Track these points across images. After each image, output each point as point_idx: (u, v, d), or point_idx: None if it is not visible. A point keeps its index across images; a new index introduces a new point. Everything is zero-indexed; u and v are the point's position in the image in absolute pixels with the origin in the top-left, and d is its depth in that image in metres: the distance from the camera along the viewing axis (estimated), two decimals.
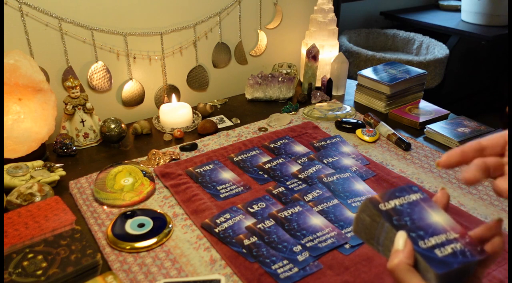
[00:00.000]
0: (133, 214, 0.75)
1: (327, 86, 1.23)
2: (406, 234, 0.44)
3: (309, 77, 1.24)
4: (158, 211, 0.77)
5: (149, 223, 0.73)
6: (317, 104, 1.18)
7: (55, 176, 0.85)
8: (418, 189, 0.50)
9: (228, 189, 0.83)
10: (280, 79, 1.21)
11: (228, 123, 1.11)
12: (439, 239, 0.45)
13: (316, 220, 0.73)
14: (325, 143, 0.99)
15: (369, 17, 2.24)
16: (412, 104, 1.17)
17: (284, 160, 0.92)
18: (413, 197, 0.49)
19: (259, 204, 0.78)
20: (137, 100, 1.15)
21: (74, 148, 0.97)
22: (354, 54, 1.77)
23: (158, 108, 1.13)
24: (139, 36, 1.10)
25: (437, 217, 0.48)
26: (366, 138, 1.01)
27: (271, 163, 0.91)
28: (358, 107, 1.20)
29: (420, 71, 1.19)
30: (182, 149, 0.98)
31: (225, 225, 0.72)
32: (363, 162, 0.92)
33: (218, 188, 0.83)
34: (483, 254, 0.45)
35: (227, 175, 0.87)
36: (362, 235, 0.49)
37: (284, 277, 0.63)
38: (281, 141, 0.99)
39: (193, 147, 0.98)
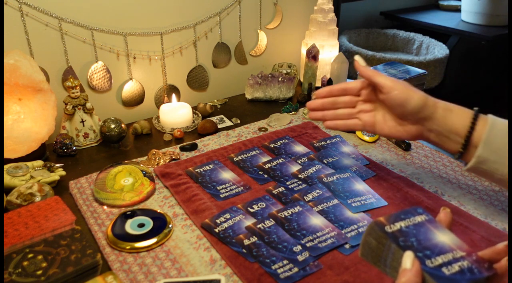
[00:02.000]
0: (133, 214, 0.75)
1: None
2: (413, 254, 0.44)
3: (309, 77, 1.24)
4: (158, 211, 0.77)
5: (149, 223, 0.73)
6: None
7: (55, 176, 0.85)
8: (423, 210, 0.51)
9: (228, 189, 0.83)
10: (280, 79, 1.21)
11: (228, 123, 1.11)
12: (446, 258, 0.45)
13: (316, 220, 0.73)
14: (325, 143, 0.99)
15: (369, 17, 2.24)
16: None
17: (284, 160, 0.92)
18: (418, 218, 0.50)
19: (259, 204, 0.78)
20: (137, 100, 1.15)
21: (74, 148, 0.97)
22: (354, 54, 1.77)
23: (158, 108, 1.13)
24: (139, 36, 1.10)
25: (443, 237, 0.48)
26: (366, 138, 1.01)
27: (271, 163, 0.91)
28: None
29: (420, 71, 1.19)
30: (182, 149, 0.98)
31: (225, 225, 0.72)
32: (363, 162, 0.92)
33: (218, 188, 0.83)
34: (490, 271, 0.45)
35: (227, 175, 0.87)
36: (369, 258, 0.49)
37: (284, 277, 0.63)
38: (281, 141, 0.99)
39: (193, 147, 0.98)
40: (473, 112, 0.68)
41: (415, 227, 0.48)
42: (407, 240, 0.46)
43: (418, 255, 0.45)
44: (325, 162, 0.91)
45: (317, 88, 1.29)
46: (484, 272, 0.45)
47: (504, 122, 0.66)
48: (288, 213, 0.75)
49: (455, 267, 0.44)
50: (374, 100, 0.74)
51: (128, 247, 0.69)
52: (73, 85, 0.96)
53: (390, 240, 0.46)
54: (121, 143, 1.02)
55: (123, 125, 0.99)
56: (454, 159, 0.70)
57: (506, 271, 0.46)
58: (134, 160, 0.93)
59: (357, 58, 0.73)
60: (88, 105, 0.99)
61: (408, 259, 0.44)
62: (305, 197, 0.80)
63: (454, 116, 0.68)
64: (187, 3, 1.14)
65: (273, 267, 0.64)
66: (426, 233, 0.48)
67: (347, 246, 0.69)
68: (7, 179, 0.81)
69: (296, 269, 0.64)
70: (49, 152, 0.98)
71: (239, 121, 1.12)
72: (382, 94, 0.71)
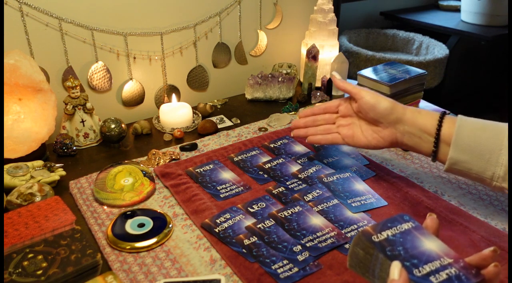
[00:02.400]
0: (133, 214, 0.75)
1: (327, 86, 1.23)
2: (400, 263, 0.44)
3: (309, 77, 1.24)
4: (158, 211, 0.77)
5: (149, 223, 0.73)
6: (317, 104, 1.18)
7: (55, 176, 0.85)
8: (409, 218, 0.51)
9: (228, 189, 0.83)
10: (280, 79, 1.21)
11: (228, 123, 1.11)
12: (434, 266, 0.45)
13: (316, 220, 0.73)
14: None
15: (369, 17, 2.24)
16: (412, 104, 1.17)
17: (284, 160, 0.92)
18: (405, 226, 0.50)
19: (259, 204, 0.78)
20: (137, 100, 1.15)
21: (74, 148, 0.97)
22: (354, 54, 1.78)
23: (158, 108, 1.13)
24: (139, 36, 1.10)
25: (430, 244, 0.48)
26: None
27: (271, 163, 0.91)
28: None
29: (420, 71, 1.19)
30: (182, 149, 0.98)
31: (225, 225, 0.72)
32: (363, 162, 0.92)
33: (218, 188, 0.83)
34: (478, 277, 0.45)
35: (227, 175, 0.87)
36: (357, 269, 0.49)
37: (284, 277, 0.63)
38: (281, 141, 0.99)
39: (193, 147, 0.98)
40: (441, 112, 0.72)
41: (402, 235, 0.48)
42: (394, 249, 0.46)
43: (406, 265, 0.45)
44: (325, 162, 0.91)
45: (317, 88, 1.29)
46: (472, 278, 0.45)
47: (473, 121, 0.69)
48: (288, 213, 0.75)
49: (443, 275, 0.44)
50: (351, 115, 0.81)
51: (128, 247, 0.69)
52: (73, 85, 0.96)
53: (377, 250, 0.46)
54: (121, 143, 1.02)
55: (123, 125, 0.99)
56: (432, 162, 0.74)
57: (494, 277, 0.46)
58: (134, 160, 0.94)
59: (334, 73, 0.82)
60: (88, 105, 0.99)
61: (395, 269, 0.44)
62: (305, 197, 0.80)
63: (423, 116, 0.73)
64: (187, 3, 1.14)
65: (273, 267, 0.64)
66: (413, 241, 0.48)
67: (347, 246, 0.69)
68: (7, 179, 0.81)
69: (296, 269, 0.64)
70: (49, 152, 0.98)
71: (239, 121, 1.12)
72: (356, 102, 0.78)
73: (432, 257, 0.46)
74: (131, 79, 1.12)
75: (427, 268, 0.45)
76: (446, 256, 0.47)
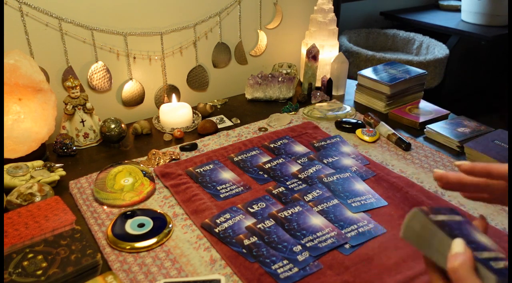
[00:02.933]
0: (133, 214, 0.75)
1: (327, 86, 1.23)
2: (464, 241, 0.45)
3: (309, 77, 1.24)
4: (158, 211, 0.77)
5: (149, 223, 0.73)
6: (317, 104, 1.18)
7: (55, 176, 0.85)
8: (460, 213, 0.51)
9: (228, 189, 0.83)
10: (280, 79, 1.21)
11: (228, 123, 1.11)
12: (491, 255, 0.46)
13: (316, 220, 0.73)
14: (325, 143, 0.99)
15: (369, 17, 2.24)
16: (412, 104, 1.17)
17: (284, 160, 0.92)
18: (457, 218, 0.50)
19: (259, 204, 0.78)
20: (137, 100, 1.15)
21: (74, 148, 0.97)
22: (354, 54, 1.77)
23: (158, 108, 1.13)
24: (139, 36, 1.10)
25: (483, 238, 0.48)
26: (366, 138, 1.01)
27: (271, 163, 0.91)
28: (358, 107, 1.20)
29: (420, 71, 1.19)
30: (182, 149, 0.98)
31: (225, 225, 0.72)
32: (363, 162, 0.92)
33: (218, 188, 0.83)
34: None
35: (227, 175, 0.87)
36: (412, 240, 0.49)
37: (284, 277, 0.63)
38: (281, 141, 0.99)
39: (193, 147, 0.98)
40: None
41: (456, 224, 0.48)
42: (452, 230, 0.46)
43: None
44: (325, 162, 0.91)
45: (317, 88, 1.29)
46: None
47: None
48: (288, 213, 0.75)
49: (500, 264, 0.44)
50: None
51: (128, 247, 0.69)
52: (73, 85, 0.96)
53: (436, 227, 0.46)
54: (121, 143, 1.02)
55: (123, 125, 0.99)
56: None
57: None
58: (134, 160, 0.93)
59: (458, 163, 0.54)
60: (88, 105, 0.99)
61: (461, 244, 0.44)
62: (305, 197, 0.80)
63: None
64: (187, 3, 1.14)
65: (273, 267, 0.64)
66: (468, 230, 0.48)
67: (347, 246, 0.69)
68: (7, 179, 0.81)
69: (296, 269, 0.64)
70: (49, 152, 0.98)
71: (239, 121, 1.12)
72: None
73: (488, 248, 0.47)
74: (131, 79, 1.12)
75: (485, 254, 0.45)
76: (499, 251, 0.47)
